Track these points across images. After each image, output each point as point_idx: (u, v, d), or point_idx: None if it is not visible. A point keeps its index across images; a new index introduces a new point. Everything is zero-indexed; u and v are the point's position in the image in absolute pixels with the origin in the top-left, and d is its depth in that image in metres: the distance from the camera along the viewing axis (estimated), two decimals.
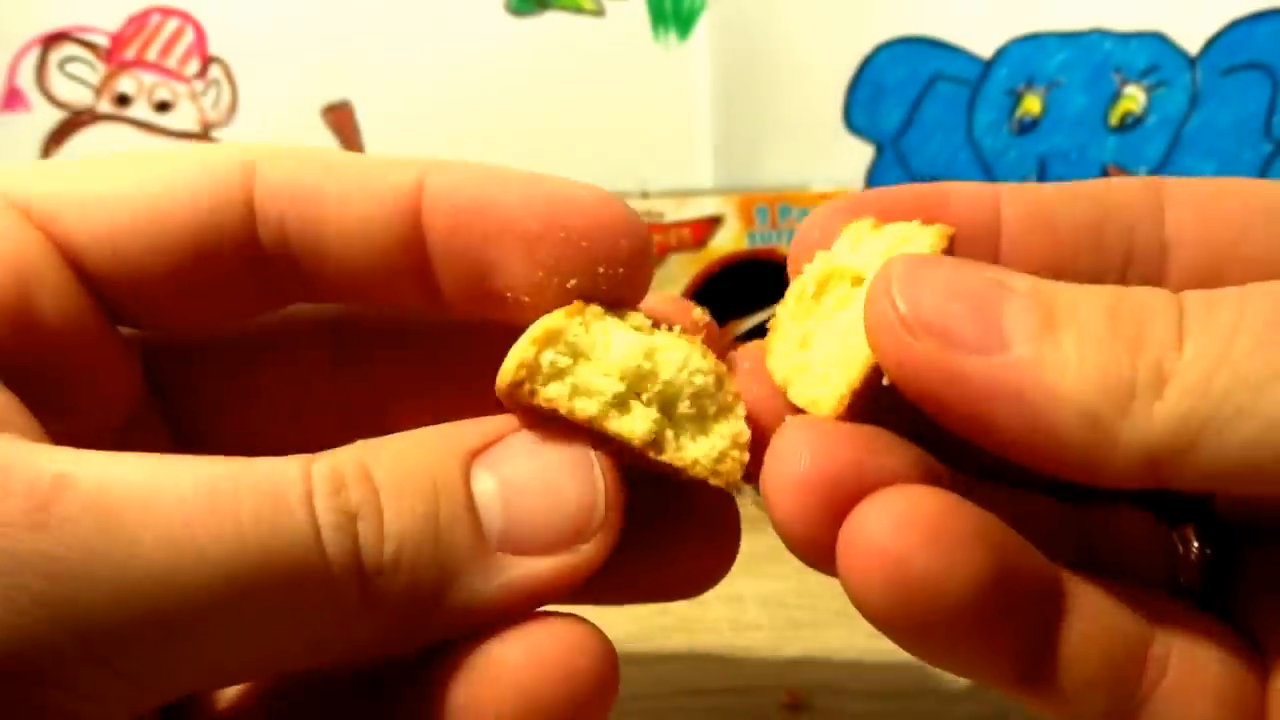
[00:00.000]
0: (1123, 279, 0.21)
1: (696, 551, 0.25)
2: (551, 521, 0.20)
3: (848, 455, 0.19)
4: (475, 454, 0.20)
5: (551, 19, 0.73)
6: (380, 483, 0.19)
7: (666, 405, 0.23)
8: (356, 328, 0.26)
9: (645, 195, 0.65)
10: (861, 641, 0.39)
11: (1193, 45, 0.54)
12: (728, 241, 0.59)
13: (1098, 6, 0.57)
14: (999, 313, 0.17)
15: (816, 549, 0.20)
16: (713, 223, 0.59)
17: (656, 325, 0.24)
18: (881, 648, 0.40)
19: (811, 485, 0.19)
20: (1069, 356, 0.16)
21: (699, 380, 0.23)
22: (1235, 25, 0.52)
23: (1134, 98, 0.56)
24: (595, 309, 0.23)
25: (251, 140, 0.65)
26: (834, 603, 0.42)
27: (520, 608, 0.20)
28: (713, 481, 0.23)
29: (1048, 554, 0.19)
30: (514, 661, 0.20)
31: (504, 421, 0.21)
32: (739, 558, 0.47)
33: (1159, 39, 0.55)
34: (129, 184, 0.21)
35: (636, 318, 0.24)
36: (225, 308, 0.23)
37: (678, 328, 0.24)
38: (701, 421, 0.23)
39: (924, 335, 0.17)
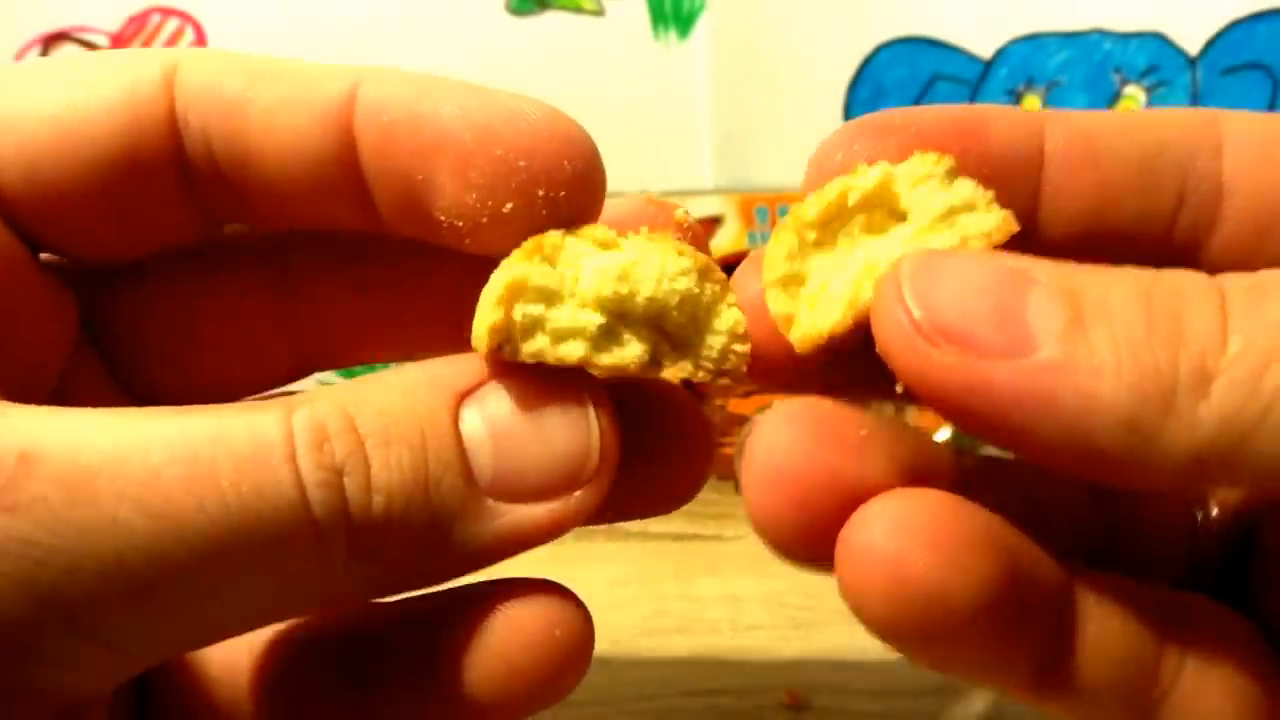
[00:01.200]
0: (1172, 224, 0.19)
1: (673, 464, 0.23)
2: (544, 468, 0.19)
3: (835, 455, 0.17)
4: (463, 396, 0.19)
5: (551, 19, 0.73)
6: (365, 433, 0.18)
7: (655, 320, 0.21)
8: (299, 253, 0.24)
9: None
10: (861, 641, 0.39)
11: (1193, 45, 0.54)
12: (728, 241, 0.59)
13: (1098, 6, 0.57)
14: (1023, 310, 0.16)
15: (803, 549, 0.19)
16: (713, 223, 0.59)
17: (621, 232, 0.22)
18: (882, 647, 0.40)
19: (797, 487, 0.18)
20: (1103, 357, 0.15)
21: (681, 284, 0.21)
22: (1235, 25, 0.52)
23: (1134, 98, 0.56)
24: (553, 237, 0.21)
25: None
26: (834, 603, 0.42)
27: (512, 553, 0.20)
28: (719, 383, 0.21)
29: (1060, 543, 0.19)
30: (496, 639, 0.20)
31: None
32: (739, 557, 0.48)
33: (1159, 39, 0.55)
34: (42, 98, 0.20)
35: (598, 231, 0.22)
36: (154, 231, 0.22)
37: (644, 229, 0.22)
38: (694, 325, 0.21)
39: (943, 342, 0.16)
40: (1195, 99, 0.54)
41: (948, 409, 0.16)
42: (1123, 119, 0.20)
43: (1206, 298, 0.15)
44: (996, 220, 0.18)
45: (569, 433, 0.19)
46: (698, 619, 0.40)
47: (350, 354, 0.25)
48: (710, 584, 0.43)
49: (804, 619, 0.40)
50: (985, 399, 0.16)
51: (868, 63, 0.70)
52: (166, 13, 0.62)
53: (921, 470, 0.18)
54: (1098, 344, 0.15)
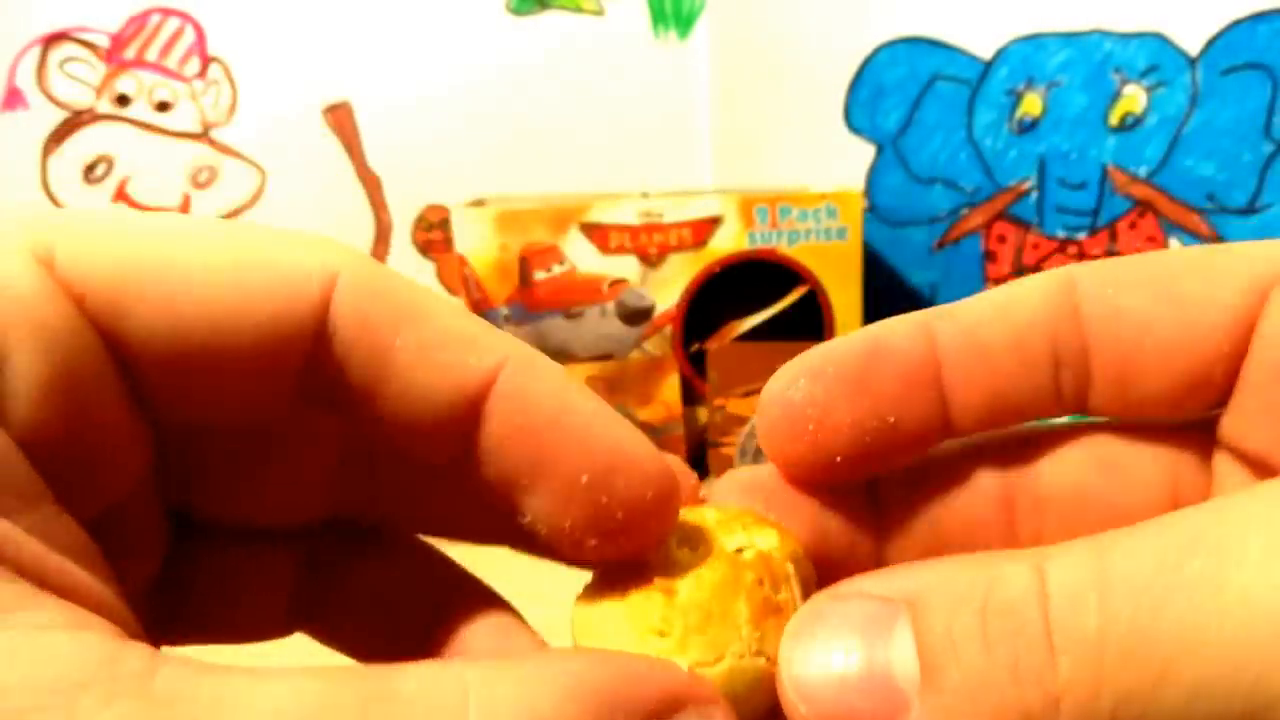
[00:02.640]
0: (1058, 389, 0.21)
1: None
2: None
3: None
4: None
5: (551, 19, 0.73)
6: None
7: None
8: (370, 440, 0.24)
9: (645, 195, 0.65)
10: None
11: (1193, 45, 0.54)
12: (728, 241, 0.59)
13: (1098, 6, 0.57)
14: (888, 667, 0.17)
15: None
16: (713, 223, 0.59)
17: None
18: None
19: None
20: (961, 704, 0.16)
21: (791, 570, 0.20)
22: (1235, 25, 0.52)
23: (1134, 98, 0.56)
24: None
25: (252, 141, 0.65)
26: None
27: None
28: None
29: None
30: None
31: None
32: None
33: (1159, 39, 0.55)
34: (199, 273, 0.20)
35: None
36: (260, 406, 0.22)
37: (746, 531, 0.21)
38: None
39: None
40: (1195, 99, 0.54)
41: None
42: (997, 302, 0.22)
43: (1032, 609, 0.16)
44: (774, 539, 0.20)
45: None
46: None
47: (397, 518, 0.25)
48: None
49: None
50: None
51: (868, 63, 0.70)
52: (166, 13, 0.62)
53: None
54: (953, 690, 0.16)
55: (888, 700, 0.16)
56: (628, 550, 0.20)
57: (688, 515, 0.21)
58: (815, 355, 0.21)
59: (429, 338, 0.20)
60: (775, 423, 0.21)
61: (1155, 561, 0.16)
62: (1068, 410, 0.21)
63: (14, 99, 0.59)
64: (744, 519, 0.21)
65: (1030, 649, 0.16)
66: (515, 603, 0.24)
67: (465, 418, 0.20)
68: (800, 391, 0.21)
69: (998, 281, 0.65)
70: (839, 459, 0.21)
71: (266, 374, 0.20)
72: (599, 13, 0.75)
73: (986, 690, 0.16)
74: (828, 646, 0.17)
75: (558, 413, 0.20)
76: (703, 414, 0.59)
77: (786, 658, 0.18)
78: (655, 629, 0.19)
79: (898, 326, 0.22)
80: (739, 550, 0.20)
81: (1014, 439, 0.22)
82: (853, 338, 0.22)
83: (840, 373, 0.21)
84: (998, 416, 0.21)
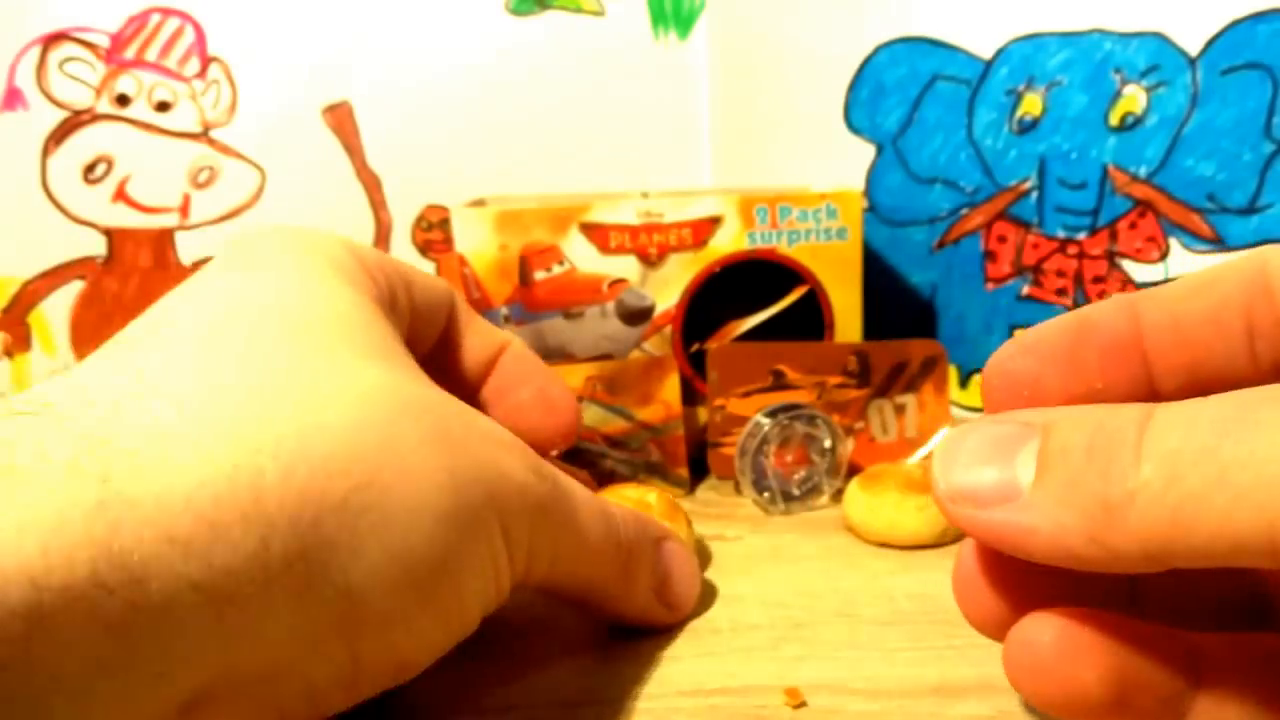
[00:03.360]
0: (1254, 358, 0.24)
1: None
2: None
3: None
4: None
5: (551, 19, 0.73)
6: None
7: None
8: None
9: (645, 195, 0.65)
10: (862, 641, 0.39)
11: (1193, 45, 0.54)
12: (728, 241, 0.59)
13: (1098, 6, 0.57)
14: (1014, 463, 0.21)
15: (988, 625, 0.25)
16: (713, 223, 0.59)
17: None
18: (881, 647, 0.40)
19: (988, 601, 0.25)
20: (1061, 493, 0.20)
21: None
22: (1235, 25, 0.52)
23: (1134, 98, 0.56)
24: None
25: (252, 141, 0.65)
26: (834, 603, 0.42)
27: None
28: None
29: (1207, 607, 0.24)
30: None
31: None
32: (739, 557, 0.48)
33: (1159, 39, 0.55)
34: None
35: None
36: None
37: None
38: None
39: (961, 502, 0.22)
40: (1195, 99, 0.54)
41: (986, 546, 0.23)
42: (1195, 282, 0.25)
43: (1131, 430, 0.20)
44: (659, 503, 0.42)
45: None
46: (698, 619, 0.40)
47: None
48: (710, 584, 0.43)
49: (804, 619, 0.40)
50: (997, 538, 0.22)
51: (868, 63, 0.70)
52: (166, 13, 0.62)
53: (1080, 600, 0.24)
54: (1056, 483, 0.21)
55: (1006, 487, 0.21)
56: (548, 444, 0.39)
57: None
58: (1030, 332, 0.25)
59: (478, 318, 0.40)
60: (995, 391, 0.25)
61: (1236, 407, 0.19)
62: (1265, 378, 0.23)
63: (13, 99, 0.59)
64: None
65: (1120, 457, 0.20)
66: None
67: (493, 359, 0.39)
68: (1017, 363, 0.24)
69: (998, 281, 0.65)
70: None
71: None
72: (599, 13, 0.75)
73: (1080, 485, 0.20)
74: (975, 448, 0.22)
75: (536, 363, 0.41)
76: (703, 414, 0.59)
77: (938, 449, 0.23)
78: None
79: (1104, 305, 0.25)
80: None
81: None
82: (1064, 316, 0.25)
83: (1052, 347, 0.24)
84: (1199, 384, 0.24)
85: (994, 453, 0.22)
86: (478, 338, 0.39)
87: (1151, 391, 0.24)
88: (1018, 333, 0.26)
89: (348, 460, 0.24)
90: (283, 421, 0.23)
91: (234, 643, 0.22)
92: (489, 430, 0.29)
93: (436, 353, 0.38)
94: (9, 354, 0.63)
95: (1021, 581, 0.24)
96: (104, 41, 0.60)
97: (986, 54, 0.63)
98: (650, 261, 0.59)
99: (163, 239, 0.63)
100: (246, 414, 0.23)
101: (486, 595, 0.28)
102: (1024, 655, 0.23)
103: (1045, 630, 0.23)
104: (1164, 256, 0.56)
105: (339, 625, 0.24)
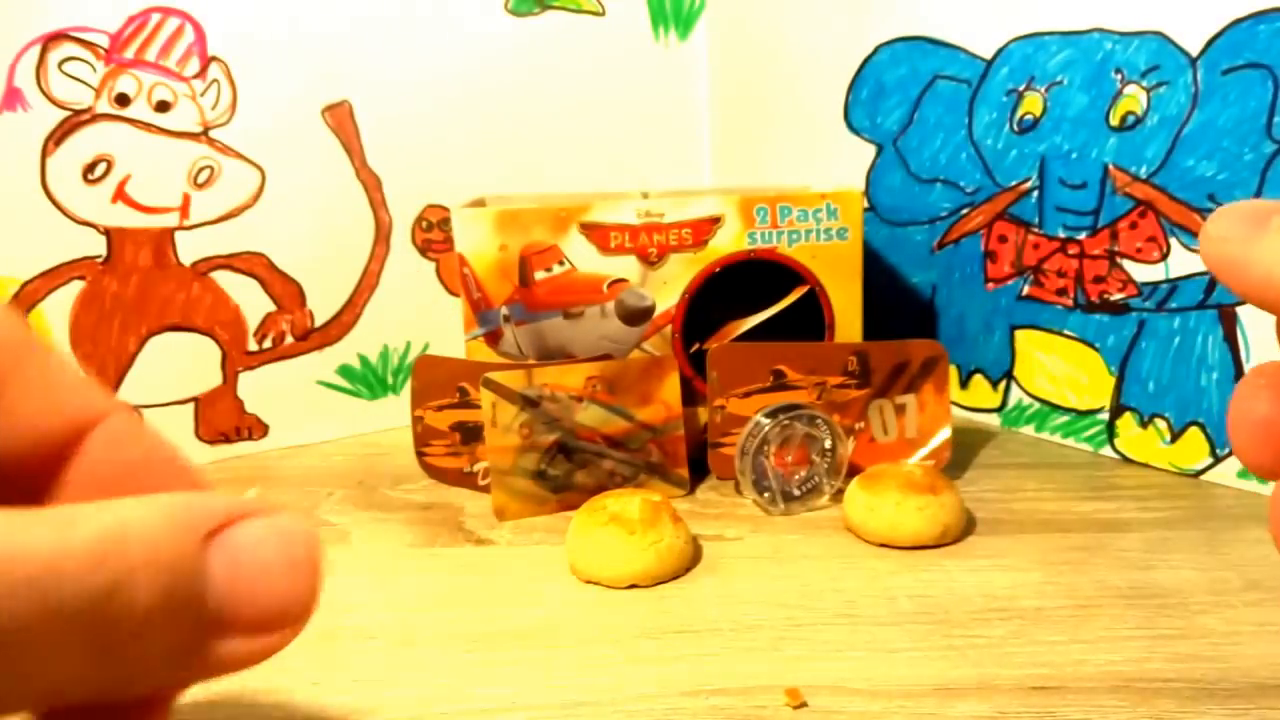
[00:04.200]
0: None
1: None
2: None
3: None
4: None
5: (551, 19, 0.73)
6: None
7: None
8: None
9: (645, 195, 0.65)
10: (862, 641, 0.39)
11: (1193, 45, 0.54)
12: (728, 241, 0.59)
13: (1098, 6, 0.57)
14: (1266, 223, 0.24)
15: (1268, 473, 0.26)
16: (713, 223, 0.59)
17: None
18: (881, 647, 0.40)
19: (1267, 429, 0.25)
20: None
21: None
22: (1235, 25, 0.52)
23: (1134, 98, 0.56)
24: None
25: (252, 141, 0.65)
26: (834, 602, 0.42)
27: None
28: None
29: None
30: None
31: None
32: (739, 558, 0.48)
33: (1159, 39, 0.55)
34: None
35: None
36: None
37: None
38: None
39: (1215, 240, 0.25)
40: (1195, 99, 0.54)
41: (1223, 279, 0.25)
42: None
43: None
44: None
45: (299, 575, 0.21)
46: (697, 619, 0.40)
47: None
48: (710, 584, 0.43)
49: (804, 619, 0.40)
50: (1229, 269, 0.24)
51: (868, 63, 0.70)
52: (166, 12, 0.62)
53: None
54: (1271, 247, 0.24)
55: (1251, 231, 0.24)
56: None
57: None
58: (1268, 367, 0.27)
59: (52, 374, 0.23)
60: (1240, 440, 0.26)
61: None
62: None
63: (13, 99, 0.59)
64: None
65: None
66: None
67: (69, 443, 0.23)
68: (1265, 400, 0.26)
69: (998, 281, 0.65)
70: None
71: None
72: (599, 13, 0.75)
73: None
74: (1238, 209, 0.25)
75: (150, 450, 0.24)
76: (703, 414, 0.59)
77: (1212, 215, 0.25)
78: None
79: None
80: None
81: None
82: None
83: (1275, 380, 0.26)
84: None
85: (1253, 212, 0.25)
86: (44, 405, 0.25)
87: None
88: (1252, 370, 0.28)
89: None
90: None
91: None
92: None
93: None
94: None
95: None
96: (104, 41, 0.60)
97: (987, 54, 0.63)
98: (650, 261, 0.59)
99: (162, 239, 0.63)
100: None
101: None
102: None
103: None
104: (1165, 256, 0.56)
105: None
